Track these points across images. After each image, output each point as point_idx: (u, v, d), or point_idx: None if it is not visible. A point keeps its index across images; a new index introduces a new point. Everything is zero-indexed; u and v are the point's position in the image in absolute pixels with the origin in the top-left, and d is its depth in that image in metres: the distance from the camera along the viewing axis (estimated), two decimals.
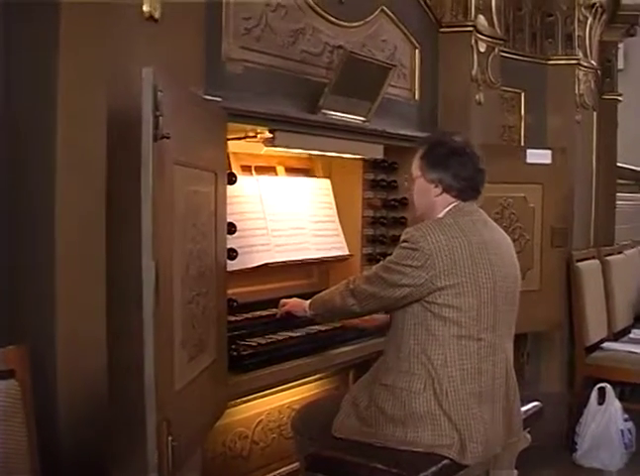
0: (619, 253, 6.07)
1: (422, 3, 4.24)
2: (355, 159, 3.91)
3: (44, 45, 2.26)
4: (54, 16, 2.23)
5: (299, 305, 3.15)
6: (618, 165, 6.40)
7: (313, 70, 3.45)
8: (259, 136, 3.16)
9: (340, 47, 3.56)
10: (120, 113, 2.32)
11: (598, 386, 4.94)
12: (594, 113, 5.84)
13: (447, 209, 2.79)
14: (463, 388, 2.66)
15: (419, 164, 2.84)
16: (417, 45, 4.23)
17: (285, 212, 3.57)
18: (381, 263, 2.80)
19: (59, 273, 2.23)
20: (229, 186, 2.86)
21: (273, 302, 3.33)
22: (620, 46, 6.69)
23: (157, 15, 2.50)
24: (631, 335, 5.76)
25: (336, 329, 3.38)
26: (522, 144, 5.23)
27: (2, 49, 2.27)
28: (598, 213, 5.94)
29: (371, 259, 4.00)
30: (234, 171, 3.23)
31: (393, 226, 4.14)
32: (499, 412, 2.74)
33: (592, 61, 5.69)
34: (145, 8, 2.48)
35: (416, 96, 4.26)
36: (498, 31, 4.71)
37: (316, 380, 3.60)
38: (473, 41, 4.44)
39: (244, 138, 3.17)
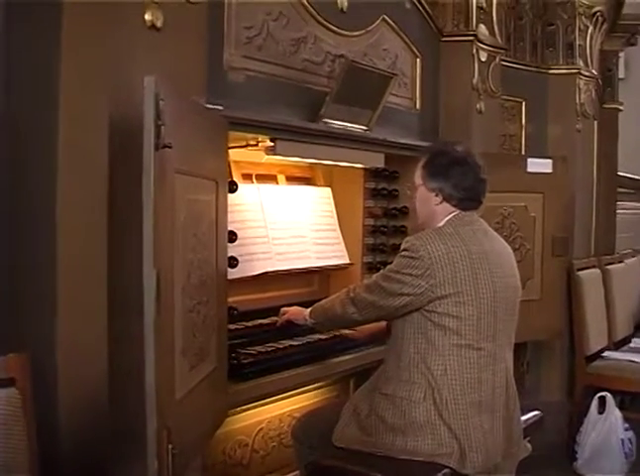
0: (620, 262, 6.06)
1: (423, 12, 4.26)
2: (356, 167, 3.91)
3: (45, 54, 2.27)
4: (57, 23, 2.25)
5: (300, 314, 3.15)
6: (619, 173, 6.41)
7: (314, 79, 3.46)
8: (260, 144, 3.17)
9: (341, 56, 3.57)
10: (122, 122, 2.33)
11: (599, 395, 4.93)
12: (595, 122, 5.85)
13: (447, 218, 2.79)
14: (463, 397, 2.66)
15: (421, 173, 2.85)
16: (418, 54, 4.24)
17: (286, 221, 3.58)
18: (382, 272, 2.80)
19: (61, 280, 2.23)
20: (230, 195, 2.87)
21: (274, 311, 3.33)
22: (621, 55, 6.70)
23: (159, 24, 2.52)
24: (632, 344, 5.75)
25: (336, 338, 3.38)
26: (523, 153, 5.23)
27: (3, 57, 2.28)
28: (599, 222, 5.94)
29: (371, 267, 4.00)
30: (235, 179, 3.23)
31: (394, 235, 4.14)
32: (499, 421, 2.74)
33: (593, 71, 5.70)
34: (147, 17, 2.50)
35: (417, 105, 4.27)
36: (499, 40, 4.72)
37: (316, 388, 3.60)
38: (474, 50, 4.45)
39: (245, 146, 3.18)
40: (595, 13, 5.61)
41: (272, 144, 3.16)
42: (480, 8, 4.49)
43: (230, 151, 2.93)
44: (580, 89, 5.51)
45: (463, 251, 2.69)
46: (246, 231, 3.29)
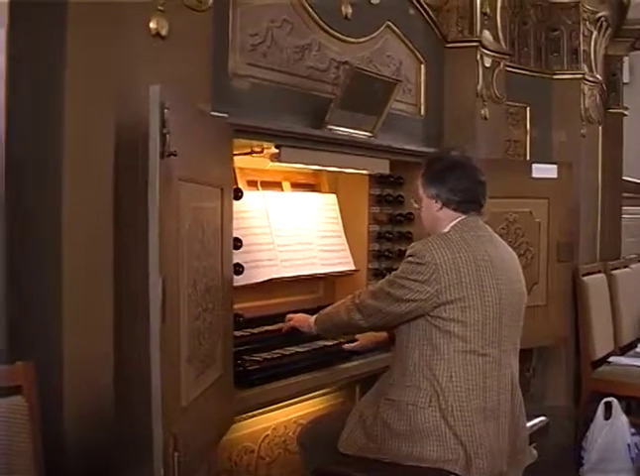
0: (625, 267, 6.06)
1: (427, 18, 4.26)
2: (361, 174, 3.92)
3: (50, 63, 2.28)
4: (61, 32, 2.27)
5: (305, 321, 3.15)
6: (624, 178, 6.41)
7: (319, 86, 3.47)
8: (265, 151, 3.17)
9: (346, 62, 3.58)
10: (127, 130, 2.35)
11: (605, 400, 4.91)
12: (600, 127, 5.84)
13: (452, 224, 2.80)
14: (468, 403, 2.66)
15: (420, 181, 2.88)
16: (423, 60, 4.25)
17: (291, 227, 3.58)
18: (387, 278, 2.81)
19: (66, 289, 2.24)
20: (235, 202, 2.88)
21: (280, 317, 3.33)
22: (625, 59, 6.69)
23: (164, 32, 2.53)
24: (637, 349, 5.73)
25: (342, 344, 3.38)
26: (528, 158, 5.23)
27: (7, 66, 2.28)
28: (604, 227, 5.93)
29: (377, 274, 4.00)
30: (240, 186, 3.24)
31: (399, 241, 4.14)
32: (505, 427, 2.74)
33: (598, 76, 5.70)
34: (152, 25, 2.51)
35: (422, 111, 4.27)
36: (504, 46, 4.72)
37: (322, 395, 3.59)
38: (478, 56, 4.46)
39: (250, 153, 3.18)
40: (600, 18, 5.61)
41: (277, 151, 3.17)
42: (484, 14, 4.49)
43: (235, 158, 2.94)
44: (584, 94, 5.51)
45: (468, 256, 2.69)
46: (251, 238, 3.29)
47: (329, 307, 3.06)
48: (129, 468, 2.34)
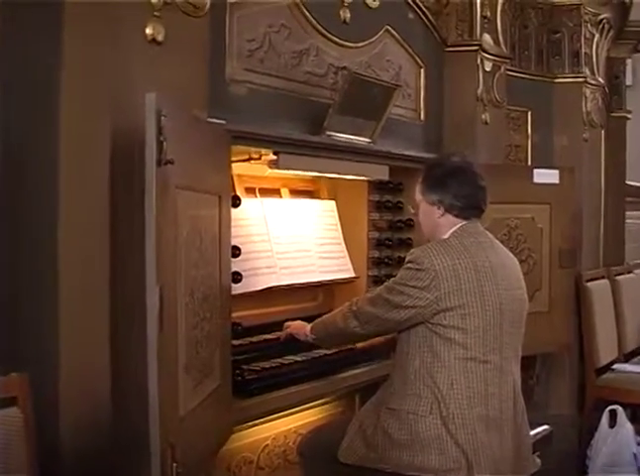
0: (629, 272, 6.06)
1: (427, 22, 4.28)
2: (360, 180, 3.93)
3: (45, 70, 2.29)
4: (57, 38, 2.27)
5: (301, 329, 3.15)
6: (627, 182, 6.41)
7: (317, 92, 3.49)
8: (263, 158, 3.19)
9: (344, 67, 3.59)
10: (123, 137, 2.35)
11: (609, 408, 4.92)
12: (602, 131, 5.86)
13: (452, 230, 2.80)
14: (470, 411, 2.66)
15: (420, 187, 2.88)
16: (422, 64, 4.26)
17: (290, 234, 3.59)
18: (386, 284, 2.81)
19: (62, 298, 2.25)
20: (233, 209, 2.89)
21: (278, 326, 3.34)
22: (628, 62, 6.70)
23: (160, 38, 2.54)
24: None
25: (341, 352, 3.38)
26: (529, 163, 5.24)
27: (2, 71, 2.29)
28: (607, 232, 5.94)
29: (376, 281, 4.01)
30: (238, 193, 3.24)
31: (399, 248, 4.15)
32: (507, 435, 2.74)
33: (600, 79, 5.71)
34: (148, 31, 2.52)
35: (421, 116, 4.29)
36: (504, 49, 4.74)
37: (322, 404, 3.60)
38: (478, 60, 4.47)
39: (248, 160, 3.19)
40: (602, 20, 5.62)
41: (275, 157, 3.18)
42: (484, 17, 4.50)
43: (233, 165, 2.95)
44: (586, 98, 5.52)
45: (468, 263, 2.70)
46: (249, 246, 3.30)
47: (326, 315, 3.07)
48: None
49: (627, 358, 5.62)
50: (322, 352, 3.35)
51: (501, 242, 2.96)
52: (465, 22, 4.45)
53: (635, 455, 4.79)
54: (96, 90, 2.35)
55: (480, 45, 4.46)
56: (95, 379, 2.32)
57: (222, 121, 2.83)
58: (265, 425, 3.33)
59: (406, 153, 3.93)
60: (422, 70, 4.27)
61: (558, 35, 5.46)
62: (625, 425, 4.87)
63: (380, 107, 3.66)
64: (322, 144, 3.39)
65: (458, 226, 2.80)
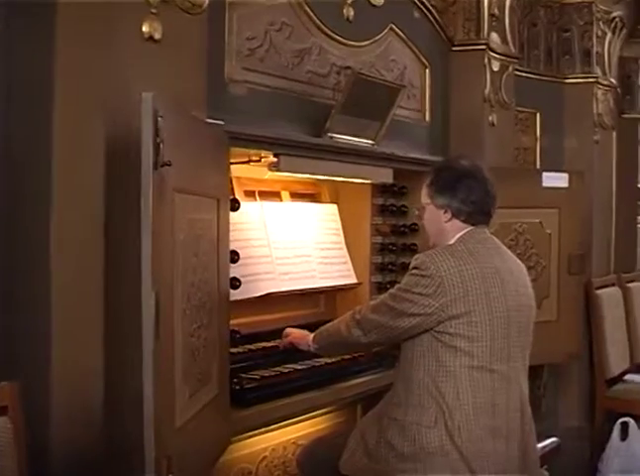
0: None
1: (433, 21, 4.29)
2: (363, 183, 3.93)
3: (39, 69, 2.29)
4: (50, 36, 2.27)
5: (303, 339, 3.15)
6: (639, 186, 6.42)
7: (319, 92, 3.50)
8: (262, 160, 3.19)
9: (347, 67, 3.61)
10: (118, 139, 2.36)
11: (621, 420, 4.92)
12: (614, 133, 5.86)
13: (458, 236, 2.80)
14: (476, 422, 2.66)
15: (427, 191, 2.87)
16: (428, 64, 4.27)
17: (290, 239, 3.60)
18: (390, 291, 2.81)
19: (55, 305, 2.25)
20: (232, 213, 2.90)
21: (278, 333, 3.34)
22: None
23: (157, 36, 2.55)
24: None
25: (343, 361, 3.39)
26: (538, 167, 5.26)
27: None
28: (619, 238, 5.94)
29: (380, 287, 4.01)
30: (237, 196, 3.25)
31: (403, 253, 4.16)
32: (514, 447, 2.74)
33: (612, 79, 5.72)
34: (145, 28, 2.52)
35: (427, 118, 4.30)
36: (512, 48, 4.75)
37: (322, 414, 3.60)
38: (485, 59, 4.48)
39: (247, 162, 3.20)
40: (614, 18, 5.63)
41: (276, 159, 3.19)
42: (491, 15, 4.51)
43: (232, 167, 2.95)
44: (597, 99, 5.54)
45: (474, 269, 2.70)
46: (248, 250, 3.31)
47: (328, 324, 3.07)
48: None
49: (639, 368, 5.61)
50: (323, 361, 3.35)
51: (508, 247, 2.97)
52: (472, 20, 4.46)
53: None
54: (91, 90, 2.36)
55: (487, 44, 4.47)
56: (89, 388, 2.32)
57: (221, 122, 2.83)
58: (263, 436, 3.33)
59: (411, 155, 3.94)
60: (427, 70, 4.28)
61: (568, 33, 5.47)
62: (638, 438, 4.87)
63: (384, 108, 3.66)
64: (324, 146, 3.40)
65: (464, 231, 2.80)
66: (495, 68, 4.56)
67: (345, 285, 3.85)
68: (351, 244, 3.93)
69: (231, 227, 2.82)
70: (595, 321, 5.25)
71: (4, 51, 2.31)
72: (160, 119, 2.07)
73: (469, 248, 2.76)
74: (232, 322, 2.87)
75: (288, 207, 3.70)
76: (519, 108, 5.00)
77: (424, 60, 4.25)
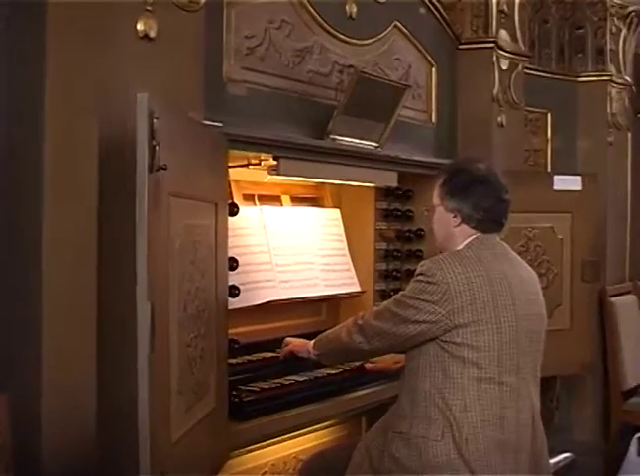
0: None
1: (439, 18, 4.30)
2: (366, 187, 3.94)
3: (28, 69, 2.30)
4: (40, 34, 2.27)
5: (303, 346, 3.16)
6: None
7: (321, 92, 3.51)
8: (262, 163, 3.20)
9: (350, 66, 3.62)
10: (112, 141, 2.37)
11: (638, 435, 4.90)
12: (629, 133, 5.87)
13: (467, 241, 2.80)
14: (484, 435, 2.65)
15: (438, 192, 2.87)
16: (434, 63, 4.29)
17: (291, 245, 3.60)
18: (394, 297, 2.81)
19: (46, 315, 2.25)
20: (230, 218, 2.91)
21: (278, 343, 3.34)
22: None
23: (152, 34, 2.56)
24: None
25: (345, 372, 3.39)
26: (549, 169, 5.27)
27: None
28: (634, 243, 5.94)
29: (384, 295, 4.01)
30: (235, 201, 3.26)
31: (408, 259, 4.16)
32: (525, 463, 2.74)
33: (627, 77, 5.73)
34: (139, 26, 2.53)
35: (433, 119, 4.31)
36: (522, 46, 4.76)
37: (325, 428, 3.61)
38: (494, 57, 4.50)
39: (246, 165, 3.21)
40: (630, 13, 5.63)
41: (276, 162, 3.20)
42: (500, 12, 4.53)
43: (230, 170, 2.96)
44: (611, 98, 5.54)
45: (482, 276, 2.70)
46: (248, 257, 3.32)
47: (329, 331, 3.07)
48: None
49: None
50: (325, 372, 3.36)
51: (518, 254, 2.96)
52: (480, 17, 4.48)
53: None
54: (83, 91, 2.36)
55: (496, 41, 4.48)
56: (81, 402, 2.32)
57: (219, 123, 2.84)
58: (263, 451, 3.34)
59: (416, 158, 3.95)
60: (434, 69, 4.30)
61: (581, 30, 5.49)
62: None
63: (389, 109, 3.67)
64: (326, 148, 3.41)
65: (473, 237, 2.80)
66: (504, 67, 4.57)
67: (348, 293, 3.85)
68: (354, 250, 3.93)
69: (229, 233, 2.83)
70: (610, 330, 5.25)
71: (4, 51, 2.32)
72: (155, 120, 2.07)
73: (477, 254, 2.76)
74: (230, 332, 2.88)
75: (289, 212, 3.71)
76: (529, 108, 5.01)
77: (430, 59, 4.26)
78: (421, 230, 4.15)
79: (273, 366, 3.31)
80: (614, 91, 5.56)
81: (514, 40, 4.66)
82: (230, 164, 2.93)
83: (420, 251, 4.17)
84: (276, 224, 3.55)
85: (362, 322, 2.84)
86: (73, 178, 2.32)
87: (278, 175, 3.25)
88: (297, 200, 3.83)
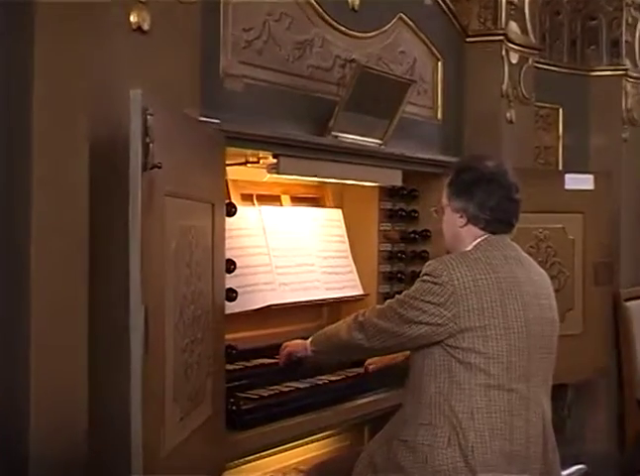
0: None
1: (446, 9, 4.30)
2: (370, 186, 3.95)
3: (15, 62, 2.28)
4: (28, 27, 2.26)
5: (301, 345, 3.16)
6: None
7: (322, 88, 3.51)
8: (261, 161, 3.22)
9: (352, 60, 3.62)
10: (104, 138, 2.37)
11: None
12: None
13: (475, 242, 2.80)
14: (492, 444, 2.65)
15: (446, 191, 2.87)
16: (440, 57, 4.29)
17: (291, 247, 3.61)
18: (398, 297, 2.81)
19: (35, 320, 2.24)
20: (228, 219, 2.91)
21: (277, 349, 3.33)
22: None
23: (146, 26, 2.56)
24: None
25: (348, 379, 3.40)
26: (560, 167, 5.26)
27: None
28: None
29: (388, 298, 3.94)
30: (233, 201, 3.25)
31: (413, 261, 4.17)
32: (535, 475, 2.74)
33: None
34: (132, 18, 2.53)
35: (439, 115, 4.31)
36: (533, 39, 4.76)
37: (326, 437, 3.61)
38: (503, 51, 4.50)
39: (244, 164, 3.22)
40: None
41: (275, 161, 3.20)
42: (510, 3, 4.54)
43: (228, 169, 2.97)
44: (626, 93, 5.54)
45: (491, 278, 2.70)
46: (246, 259, 3.32)
47: (328, 327, 3.08)
48: None
49: None
50: (327, 379, 3.37)
51: (528, 255, 2.96)
52: (488, 8, 4.48)
53: None
54: (74, 86, 2.35)
55: (505, 34, 4.48)
56: (71, 410, 2.32)
57: (216, 120, 2.84)
58: (262, 461, 3.33)
59: (421, 156, 3.95)
60: (440, 63, 4.30)
61: (595, 22, 5.48)
62: None
63: (393, 105, 3.68)
64: (327, 146, 3.42)
65: (481, 238, 2.80)
66: (514, 61, 4.57)
67: (350, 296, 3.86)
68: (356, 252, 3.94)
69: (227, 234, 2.84)
70: (624, 335, 5.25)
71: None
72: (149, 117, 2.07)
73: (485, 256, 2.76)
74: (228, 337, 2.88)
75: (289, 212, 3.71)
76: (540, 104, 5.01)
77: (436, 52, 4.26)
78: (426, 231, 4.15)
79: (273, 372, 3.31)
80: (629, 86, 5.56)
81: (524, 32, 4.66)
82: (227, 162, 2.93)
83: (425, 252, 4.17)
84: (276, 225, 3.56)
85: (363, 319, 2.85)
86: (64, 178, 2.31)
87: (278, 173, 3.26)
88: (297, 200, 3.84)
